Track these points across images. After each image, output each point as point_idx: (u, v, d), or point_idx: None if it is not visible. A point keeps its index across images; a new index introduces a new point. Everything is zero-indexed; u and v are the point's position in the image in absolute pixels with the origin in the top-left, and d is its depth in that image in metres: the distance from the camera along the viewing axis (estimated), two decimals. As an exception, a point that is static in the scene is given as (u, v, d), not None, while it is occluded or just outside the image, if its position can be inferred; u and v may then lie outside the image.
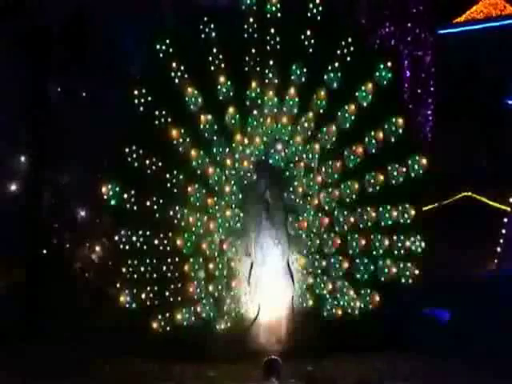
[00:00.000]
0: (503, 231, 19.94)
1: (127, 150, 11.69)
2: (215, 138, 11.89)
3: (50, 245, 16.72)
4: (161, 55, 12.06)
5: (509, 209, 20.29)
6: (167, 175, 11.75)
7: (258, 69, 12.08)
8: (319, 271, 12.03)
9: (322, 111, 12.10)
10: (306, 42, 12.14)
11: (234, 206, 12.05)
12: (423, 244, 12.25)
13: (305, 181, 12.14)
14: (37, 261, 16.24)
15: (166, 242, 11.73)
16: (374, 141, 12.11)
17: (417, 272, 12.13)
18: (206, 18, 12.03)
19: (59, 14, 17.24)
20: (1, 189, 17.05)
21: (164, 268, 11.73)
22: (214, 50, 11.93)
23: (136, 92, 11.93)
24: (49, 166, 17.24)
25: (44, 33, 16.85)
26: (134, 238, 11.63)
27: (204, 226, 11.81)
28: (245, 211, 12.16)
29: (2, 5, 16.55)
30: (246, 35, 12.10)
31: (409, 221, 12.22)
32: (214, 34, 12.02)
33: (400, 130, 12.20)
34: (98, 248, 16.93)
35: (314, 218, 12.13)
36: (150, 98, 11.91)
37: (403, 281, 12.08)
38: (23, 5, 16.83)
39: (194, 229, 11.75)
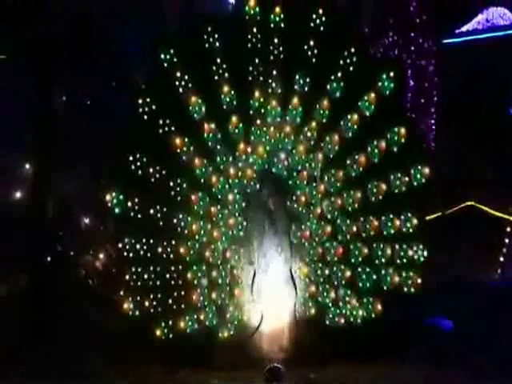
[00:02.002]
0: (506, 240, 19.94)
1: (131, 158, 11.75)
2: (218, 146, 11.94)
3: (55, 251, 16.78)
4: (165, 64, 12.14)
5: (511, 218, 20.30)
6: (171, 183, 11.80)
7: (261, 78, 12.13)
8: (322, 280, 12.04)
9: (324, 121, 12.13)
10: (309, 52, 12.16)
11: (237, 214, 12.10)
12: (425, 253, 12.28)
13: (308, 190, 12.18)
14: (41, 267, 16.29)
15: (169, 249, 11.77)
16: (376, 150, 12.14)
17: (419, 281, 12.16)
18: (209, 28, 12.12)
19: (63, 20, 17.36)
20: (5, 195, 17.14)
21: (167, 276, 11.76)
22: (218, 60, 12.01)
23: (140, 101, 12.01)
24: (53, 172, 17.32)
25: (48, 40, 16.96)
26: (138, 246, 11.67)
27: (207, 234, 11.86)
28: (248, 219, 12.21)
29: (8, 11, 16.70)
30: (249, 45, 12.15)
31: (411, 230, 12.24)
32: (217, 44, 12.10)
33: (402, 140, 12.25)
34: (101, 255, 16.99)
35: (317, 226, 12.16)
36: (153, 107, 11.97)
37: (405, 289, 12.11)
38: (27, 11, 16.96)
39: (197, 237, 11.80)
